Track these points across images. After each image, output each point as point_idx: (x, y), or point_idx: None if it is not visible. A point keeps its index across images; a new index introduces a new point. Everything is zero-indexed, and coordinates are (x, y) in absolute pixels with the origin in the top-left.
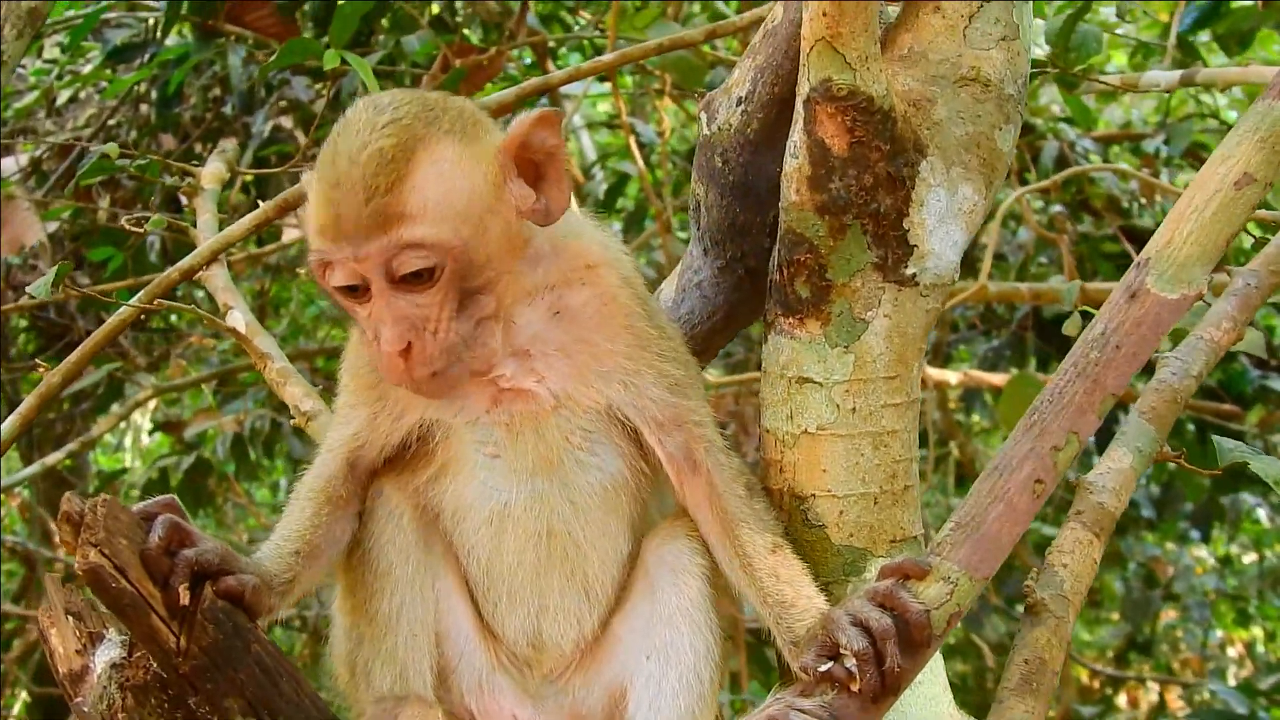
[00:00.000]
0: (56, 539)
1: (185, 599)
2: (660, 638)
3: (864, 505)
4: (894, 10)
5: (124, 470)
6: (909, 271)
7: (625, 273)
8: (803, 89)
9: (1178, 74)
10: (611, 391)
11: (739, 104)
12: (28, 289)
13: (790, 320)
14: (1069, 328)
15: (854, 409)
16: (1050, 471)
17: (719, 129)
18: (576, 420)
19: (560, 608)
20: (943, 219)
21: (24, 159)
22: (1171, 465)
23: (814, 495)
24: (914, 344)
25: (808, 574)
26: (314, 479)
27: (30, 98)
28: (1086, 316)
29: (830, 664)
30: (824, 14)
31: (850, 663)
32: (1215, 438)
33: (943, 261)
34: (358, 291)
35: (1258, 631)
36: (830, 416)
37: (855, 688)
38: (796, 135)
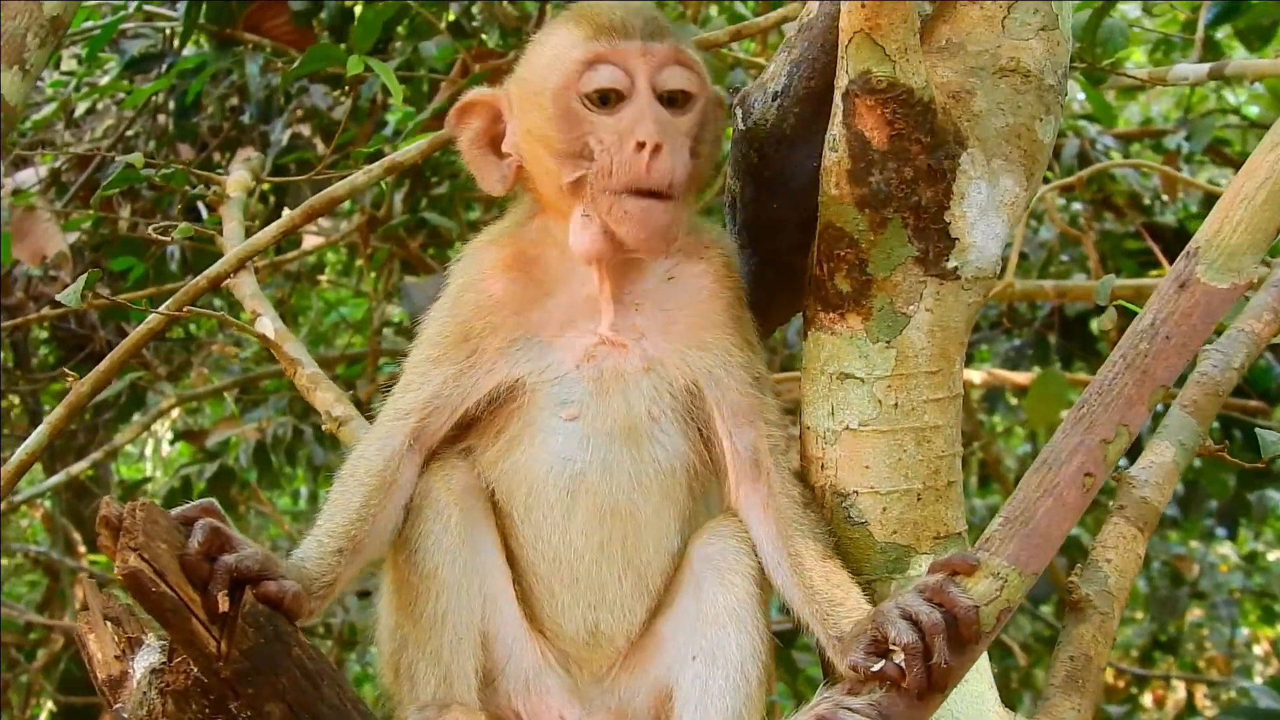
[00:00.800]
0: (80, 548)
1: (225, 605)
2: (707, 637)
3: (907, 502)
4: (930, 7)
5: (146, 479)
6: (950, 265)
7: (733, 261)
8: (841, 82)
9: (1206, 67)
10: (703, 363)
11: (774, 99)
12: (58, 296)
13: (830, 316)
14: (1104, 322)
15: (896, 404)
16: (1100, 465)
17: (754, 124)
18: (662, 388)
19: (617, 597)
20: (984, 211)
21: (43, 170)
22: (1197, 462)
23: (856, 492)
24: (956, 338)
25: (855, 582)
26: (372, 457)
27: (48, 109)
28: (1120, 311)
29: (881, 662)
30: (863, 6)
31: (899, 658)
32: (1258, 429)
33: (984, 254)
34: (609, 103)
35: None
36: (872, 412)
37: (904, 684)
38: (835, 128)
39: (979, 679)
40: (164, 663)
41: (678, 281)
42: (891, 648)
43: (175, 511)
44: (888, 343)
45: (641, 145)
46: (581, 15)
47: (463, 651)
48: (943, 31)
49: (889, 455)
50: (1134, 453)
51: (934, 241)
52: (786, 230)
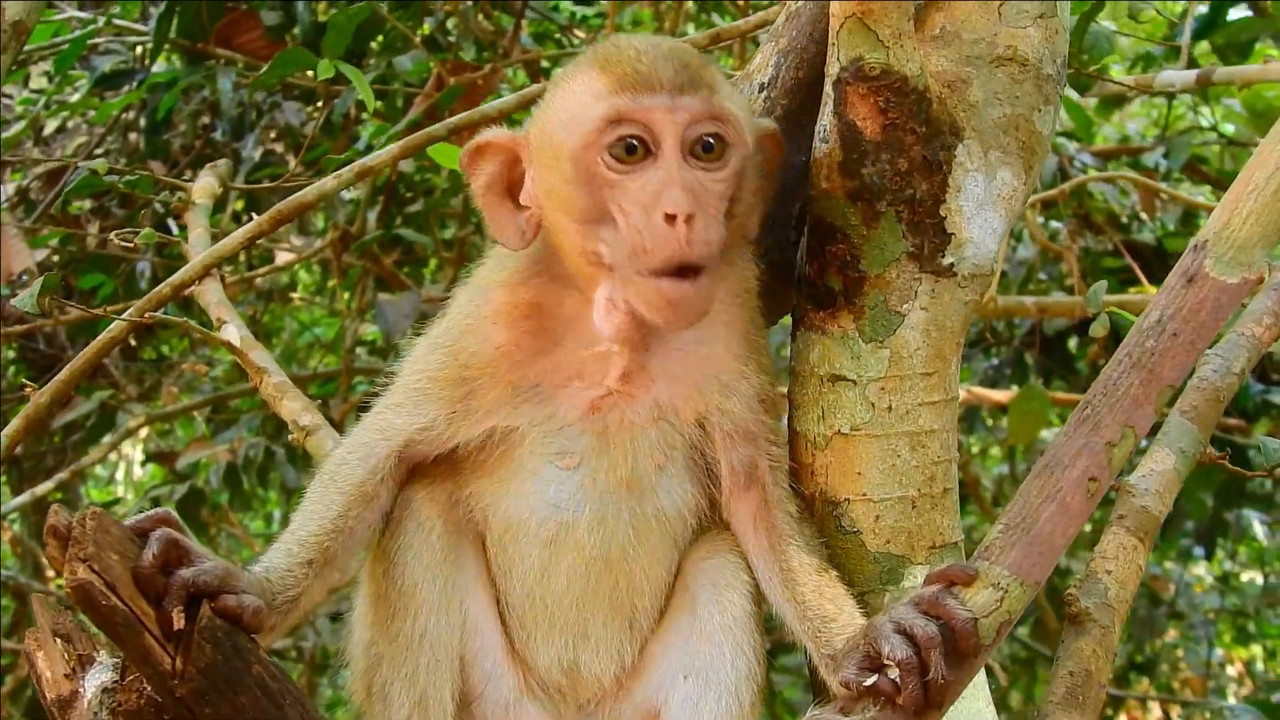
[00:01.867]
0: (49, 571)
1: (181, 621)
2: (700, 656)
3: (901, 509)
4: None
5: (116, 501)
6: (946, 261)
7: (749, 282)
8: (832, 69)
9: (1194, 74)
10: (714, 402)
11: (761, 90)
12: (13, 301)
13: (821, 315)
14: (1096, 329)
15: (890, 407)
16: (1105, 469)
17: None
18: (672, 438)
19: (602, 639)
20: (981, 205)
21: (11, 188)
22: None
23: (848, 500)
24: (952, 338)
25: (852, 598)
26: (355, 466)
27: (17, 128)
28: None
29: (875, 677)
30: None
31: (894, 673)
32: (1261, 438)
33: (982, 250)
34: (634, 154)
35: (1257, 650)
36: (864, 416)
37: (899, 701)
38: (826, 119)
39: (977, 695)
40: (116, 681)
41: None
42: (886, 663)
43: (129, 521)
44: (881, 343)
45: (671, 218)
46: (606, 63)
47: (440, 674)
48: (937, 19)
49: (882, 461)
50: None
51: (929, 237)
52: (774, 228)
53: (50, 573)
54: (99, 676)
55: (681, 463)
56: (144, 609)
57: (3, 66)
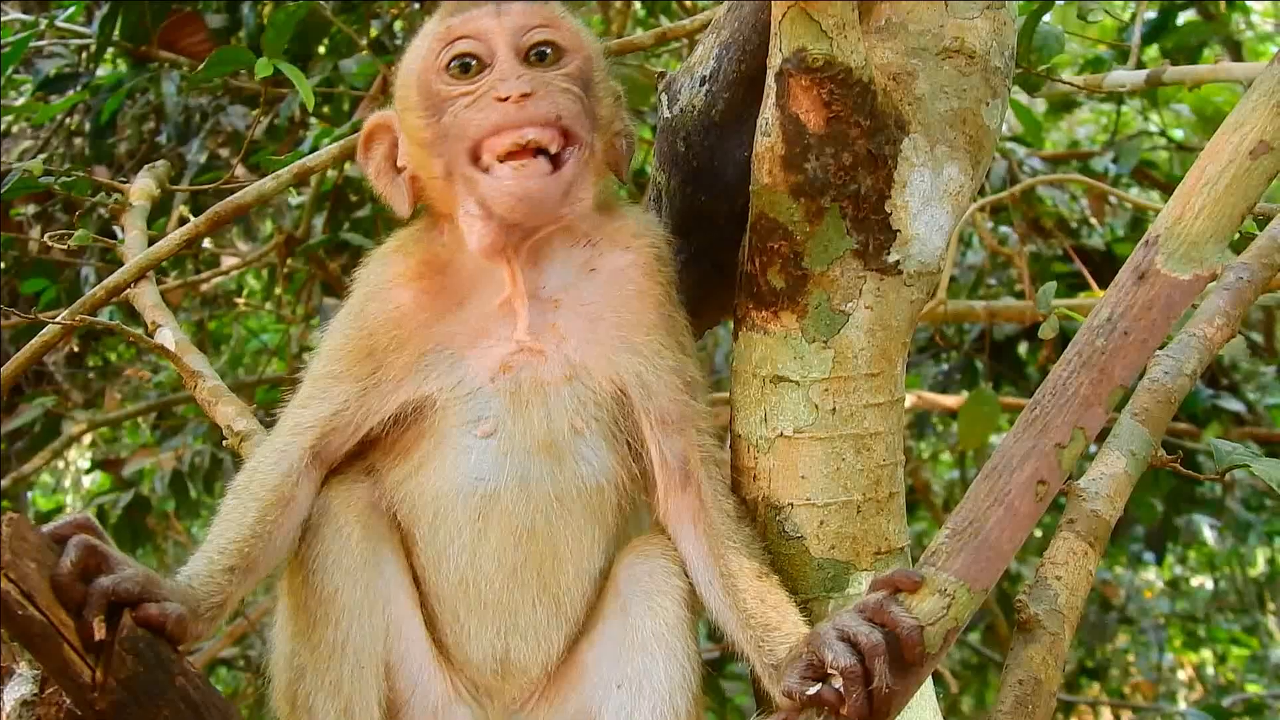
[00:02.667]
0: None
1: (101, 631)
2: (633, 665)
3: (846, 514)
4: None
5: (62, 509)
6: (892, 259)
7: (664, 253)
8: (774, 61)
9: (1143, 74)
10: (629, 366)
11: (703, 83)
12: None
13: (763, 314)
14: (1045, 330)
15: (834, 409)
16: (1054, 471)
17: (681, 111)
18: (586, 398)
19: (531, 624)
20: (927, 201)
21: None
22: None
23: (791, 504)
24: (898, 338)
25: (794, 604)
26: (268, 470)
27: None
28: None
29: (818, 686)
30: None
31: (837, 682)
32: (1213, 440)
33: (928, 247)
34: (470, 71)
35: (1207, 654)
36: (808, 418)
37: (843, 710)
38: (768, 111)
39: (924, 704)
40: (36, 694)
41: (600, 274)
42: (830, 671)
43: (48, 528)
44: (825, 343)
45: (502, 98)
46: (441, 6)
47: (365, 681)
48: (883, 9)
49: (826, 464)
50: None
51: (874, 233)
52: (716, 224)
53: None
54: (18, 689)
55: (600, 431)
56: (62, 619)
57: None
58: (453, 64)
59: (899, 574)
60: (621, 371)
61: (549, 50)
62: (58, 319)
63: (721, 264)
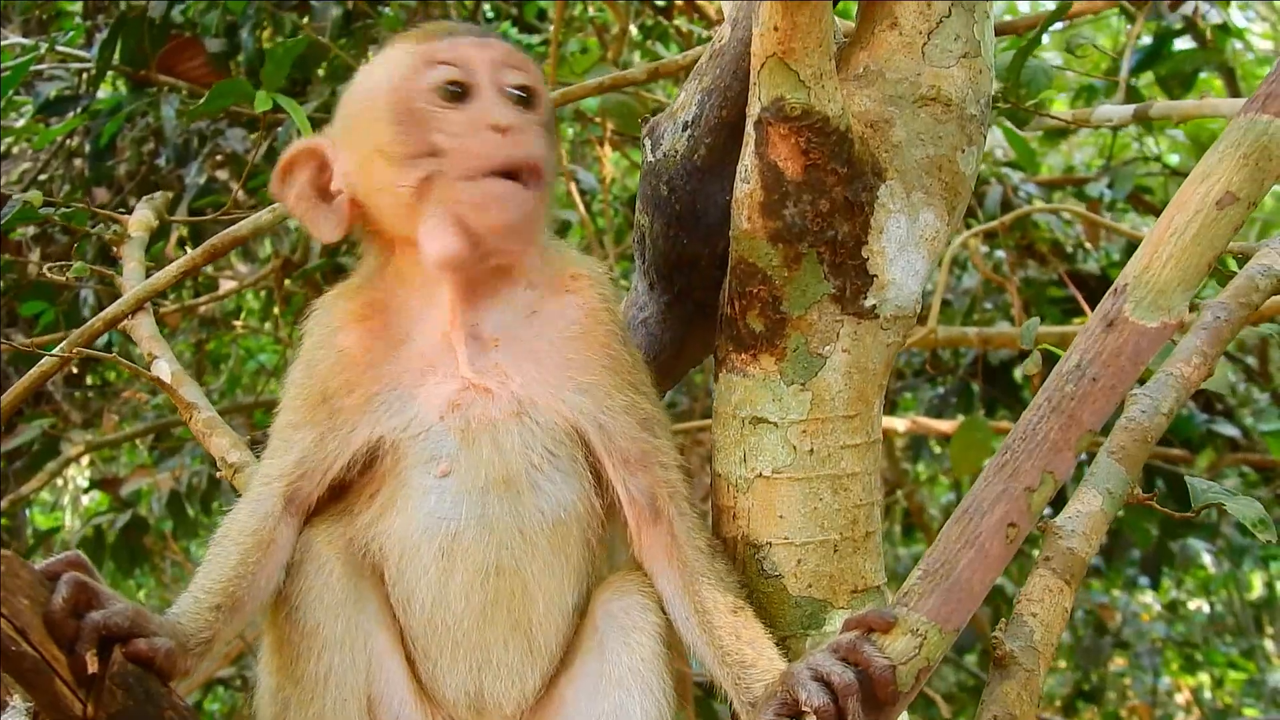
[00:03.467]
0: None
1: (94, 666)
2: (610, 700)
3: (823, 553)
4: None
5: (58, 528)
6: (868, 303)
7: (606, 292)
8: (753, 109)
9: (1131, 109)
10: (582, 406)
11: (685, 129)
12: None
13: (743, 356)
14: (1028, 367)
15: (811, 450)
16: (1024, 514)
17: (664, 155)
18: (538, 434)
19: (503, 661)
20: (903, 247)
21: None
22: (1120, 510)
23: (770, 543)
24: (875, 380)
25: (769, 638)
26: (245, 518)
27: None
28: (1046, 356)
29: None
30: (775, 29)
31: None
32: (1189, 479)
33: (904, 292)
34: (456, 99)
35: (1204, 678)
36: (786, 459)
37: None
38: (748, 159)
39: None
40: None
41: (540, 316)
42: (804, 710)
43: (40, 565)
44: (802, 385)
45: (498, 128)
46: (410, 32)
47: (348, 714)
48: (860, 58)
49: (804, 504)
50: (1059, 501)
51: (851, 278)
52: (699, 267)
53: None
54: None
55: (559, 465)
56: (55, 655)
57: None
58: (437, 85)
59: (872, 614)
60: (573, 410)
61: (525, 94)
62: (57, 350)
63: (704, 305)
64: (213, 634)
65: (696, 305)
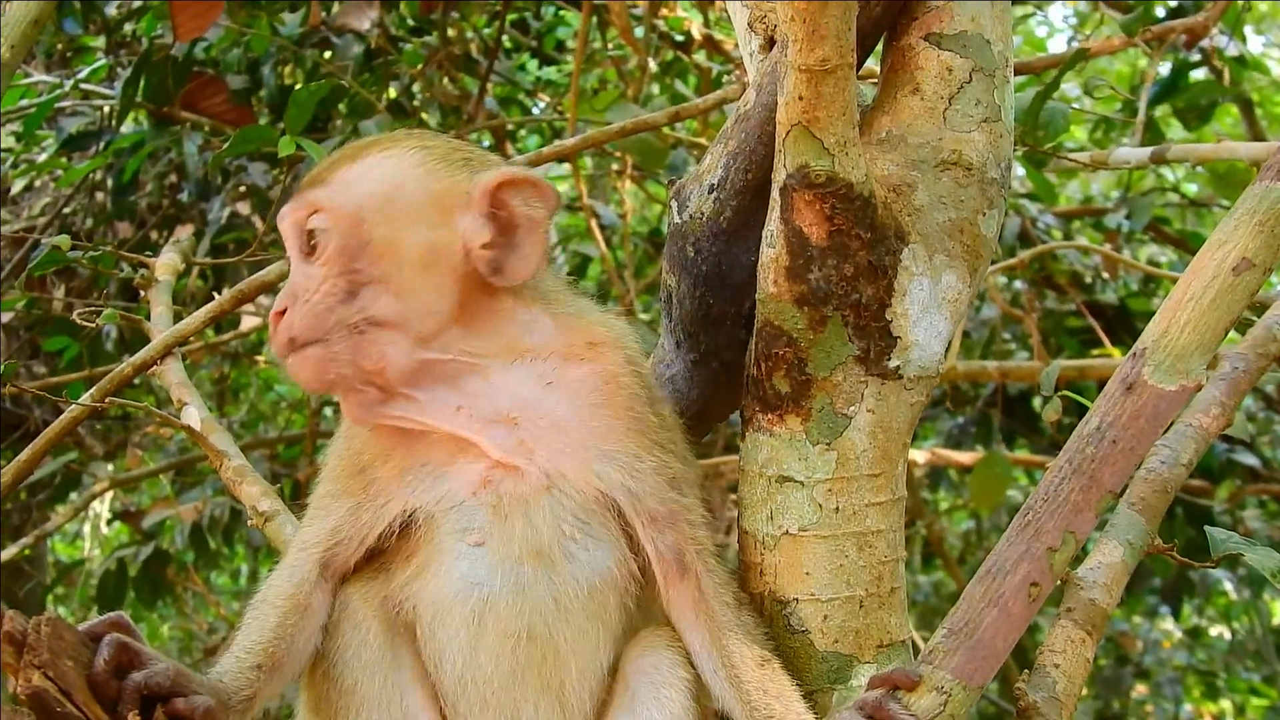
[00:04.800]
0: None
1: None
2: None
3: (849, 609)
4: (870, 92)
5: (82, 561)
6: (892, 364)
7: (630, 354)
8: (779, 176)
9: (1148, 151)
10: (609, 475)
11: (711, 191)
12: None
13: (769, 417)
14: (1049, 414)
15: (837, 508)
16: (1046, 574)
17: (690, 217)
18: (569, 505)
19: None
20: (926, 309)
21: None
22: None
23: (796, 599)
24: (898, 439)
25: (797, 690)
26: (282, 584)
27: None
28: (1064, 398)
29: None
30: (800, 98)
31: None
32: (1208, 529)
33: (927, 353)
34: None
35: (1226, 705)
36: (812, 517)
37: None
38: (773, 224)
39: None
40: None
41: (558, 387)
42: None
43: (83, 627)
44: (828, 445)
45: (277, 315)
46: None
47: None
48: (883, 123)
49: (830, 561)
50: (1080, 552)
51: (875, 340)
52: (724, 326)
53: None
54: None
55: (591, 533)
56: (98, 715)
57: None
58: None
59: (898, 673)
60: (602, 479)
61: (313, 241)
62: (85, 397)
63: (730, 364)
64: (254, 692)
65: (722, 364)
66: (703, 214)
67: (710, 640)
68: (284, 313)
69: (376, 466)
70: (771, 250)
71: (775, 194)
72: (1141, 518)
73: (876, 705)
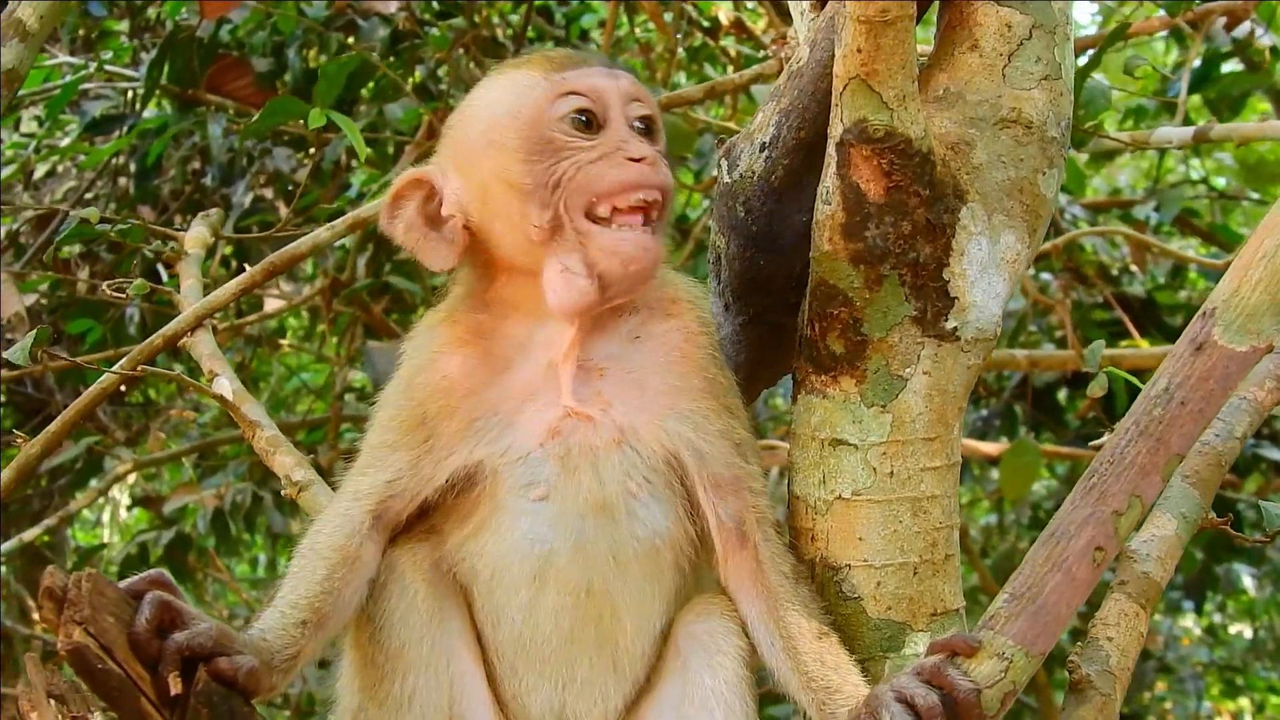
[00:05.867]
0: (35, 615)
1: (177, 686)
2: None
3: (903, 576)
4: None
5: (103, 546)
6: (949, 325)
7: (705, 314)
8: (835, 131)
9: (1190, 130)
10: (681, 434)
11: (762, 150)
12: (6, 354)
13: (823, 378)
14: (1094, 389)
15: (891, 473)
16: (1111, 539)
17: (741, 176)
18: (638, 461)
19: (588, 681)
20: (985, 269)
21: (1, 232)
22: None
23: (849, 565)
24: (955, 403)
25: (854, 663)
26: (333, 532)
27: (8, 171)
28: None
29: None
30: (859, 50)
31: None
32: (1263, 503)
33: (985, 314)
34: (588, 128)
35: (1245, 703)
36: (866, 481)
37: None
38: (829, 180)
39: None
40: None
41: (645, 342)
42: None
43: (124, 584)
44: (883, 407)
45: (635, 159)
46: (532, 58)
47: None
48: (941, 80)
49: (884, 527)
50: None
51: (932, 300)
52: (774, 288)
53: (36, 615)
54: None
55: (654, 493)
56: (139, 672)
57: None
58: (571, 116)
59: (957, 638)
60: (672, 438)
61: (648, 125)
62: (116, 367)
63: (780, 326)
64: (298, 650)
65: (771, 327)
66: (754, 173)
67: (767, 611)
68: (654, 160)
69: (440, 419)
70: (828, 207)
71: (831, 150)
72: (1195, 491)
73: (935, 670)
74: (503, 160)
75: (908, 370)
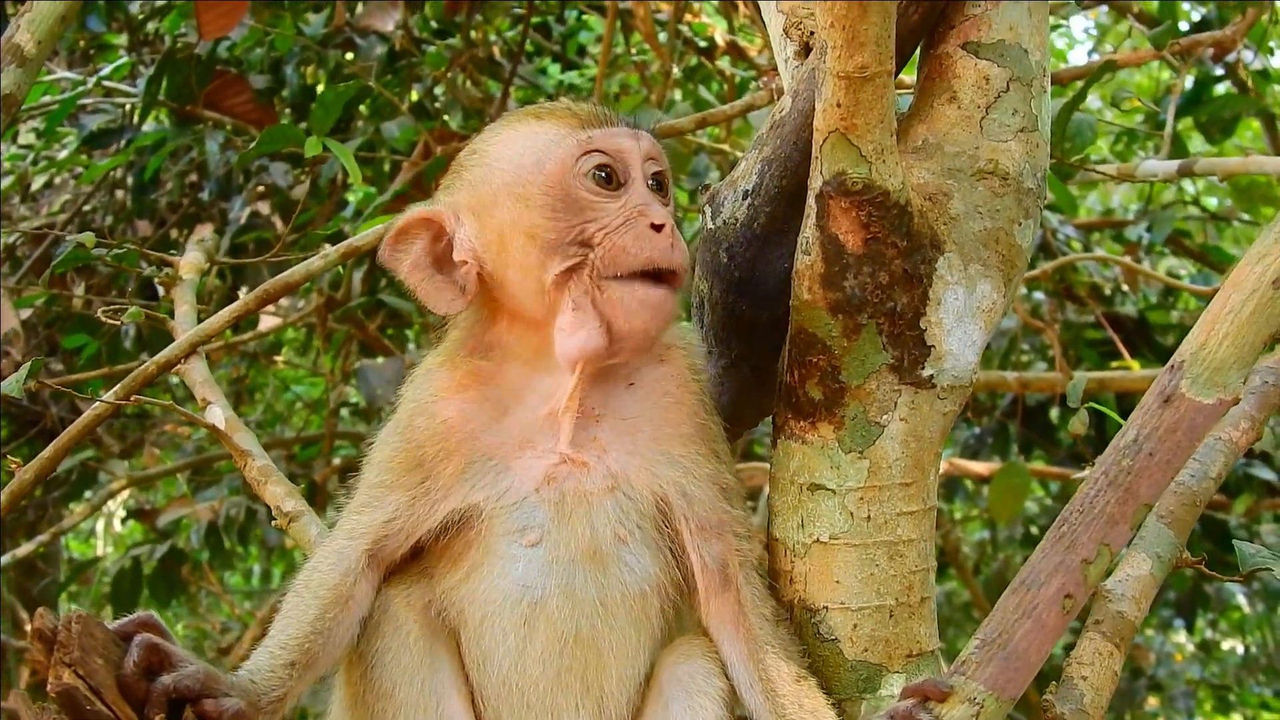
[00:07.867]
0: (26, 628)
1: None
2: None
3: (879, 618)
4: (906, 100)
5: (96, 559)
6: (926, 373)
7: (696, 362)
8: (815, 183)
9: (1175, 164)
10: (670, 478)
11: (745, 197)
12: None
13: (801, 424)
14: (1075, 425)
15: (868, 517)
16: (1080, 586)
17: (724, 223)
18: (629, 508)
19: None
20: (961, 318)
21: None
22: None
23: (826, 607)
24: (931, 449)
25: (831, 707)
26: (327, 571)
27: (5, 183)
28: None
29: None
30: (838, 105)
31: None
32: (1236, 544)
33: (961, 362)
34: (609, 184)
35: (1237, 718)
36: (844, 525)
37: None
38: (809, 231)
39: None
40: None
41: (638, 387)
42: None
43: (113, 625)
44: (860, 453)
45: (657, 228)
46: (555, 109)
47: None
48: (920, 131)
49: (861, 570)
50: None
51: (909, 349)
52: (756, 332)
53: (29, 657)
54: None
55: (643, 539)
56: (128, 714)
57: None
58: (593, 171)
59: (929, 683)
60: (663, 482)
61: (660, 182)
62: (109, 394)
63: (761, 370)
64: (285, 691)
65: (753, 370)
66: (736, 220)
67: (747, 653)
68: (673, 229)
69: (438, 462)
70: (807, 257)
71: (811, 201)
72: (1170, 531)
73: (907, 715)
74: (526, 213)
75: (885, 417)
